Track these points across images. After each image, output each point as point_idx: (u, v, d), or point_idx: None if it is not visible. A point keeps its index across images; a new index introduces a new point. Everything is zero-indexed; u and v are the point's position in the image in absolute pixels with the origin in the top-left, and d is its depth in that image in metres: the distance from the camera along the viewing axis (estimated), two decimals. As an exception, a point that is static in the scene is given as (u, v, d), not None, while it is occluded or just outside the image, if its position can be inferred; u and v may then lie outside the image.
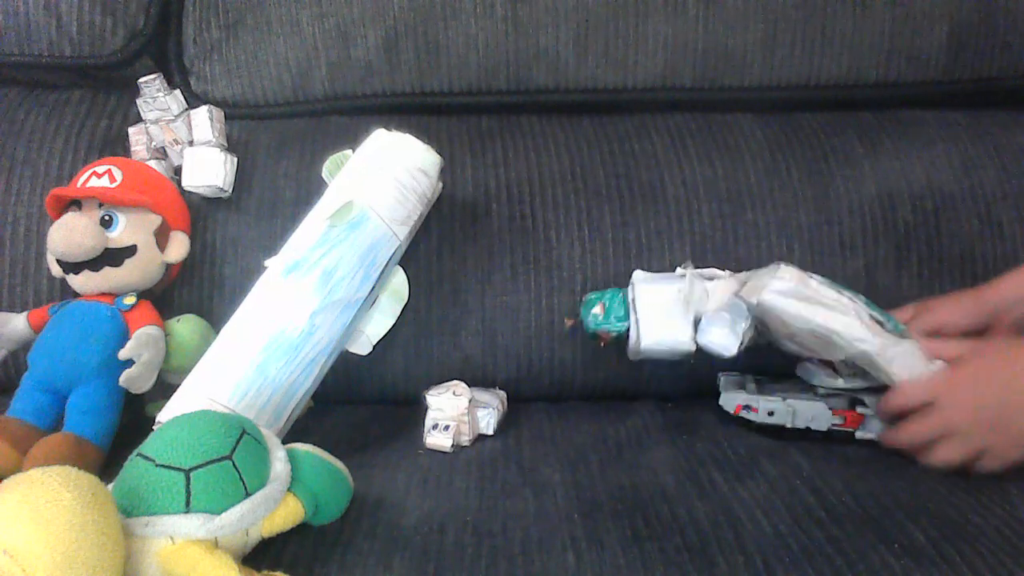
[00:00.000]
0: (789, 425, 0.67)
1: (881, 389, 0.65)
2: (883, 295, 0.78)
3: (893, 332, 0.63)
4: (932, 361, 0.63)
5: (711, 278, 0.71)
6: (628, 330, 0.70)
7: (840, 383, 0.67)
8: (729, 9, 0.85)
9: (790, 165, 0.84)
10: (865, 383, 0.66)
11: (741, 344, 0.66)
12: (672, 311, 0.68)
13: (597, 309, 0.70)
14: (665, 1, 0.85)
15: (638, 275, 0.73)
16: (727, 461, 0.63)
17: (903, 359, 0.62)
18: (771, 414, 0.68)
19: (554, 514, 0.56)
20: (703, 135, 0.86)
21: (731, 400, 0.70)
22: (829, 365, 0.68)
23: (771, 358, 0.70)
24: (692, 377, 0.74)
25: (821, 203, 0.82)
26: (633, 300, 0.70)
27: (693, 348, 0.68)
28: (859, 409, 0.67)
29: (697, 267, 0.72)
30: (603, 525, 0.54)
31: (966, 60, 0.88)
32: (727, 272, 0.72)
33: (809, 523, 0.54)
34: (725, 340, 0.66)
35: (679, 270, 0.72)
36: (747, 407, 0.69)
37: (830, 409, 0.67)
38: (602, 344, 0.72)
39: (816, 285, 0.64)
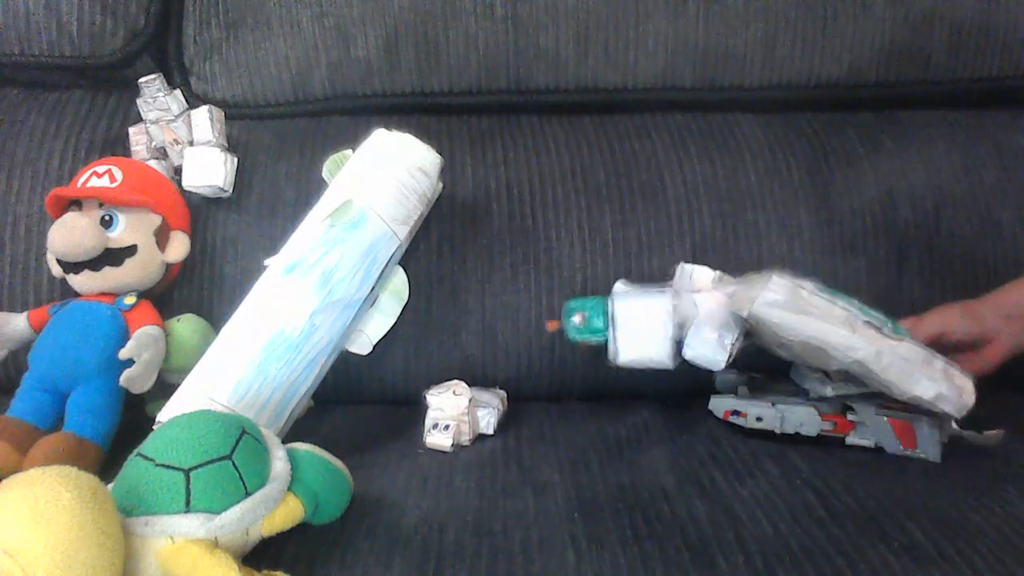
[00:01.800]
0: (778, 431, 0.67)
1: (870, 396, 0.65)
2: (883, 295, 0.79)
3: (891, 336, 0.62)
4: (929, 362, 0.61)
5: (697, 290, 0.70)
6: (607, 341, 0.69)
7: (828, 391, 0.66)
8: (729, 9, 0.85)
9: (790, 165, 0.84)
10: (856, 389, 0.66)
11: (730, 357, 0.66)
12: (651, 327, 0.67)
13: (577, 319, 0.70)
14: (665, 1, 0.85)
15: (618, 287, 0.71)
16: (727, 461, 0.63)
17: (899, 365, 0.61)
18: (759, 419, 0.68)
19: (554, 514, 0.56)
20: (703, 135, 0.86)
21: (720, 405, 0.70)
22: (821, 370, 0.68)
23: (766, 357, 0.70)
24: (692, 377, 0.74)
25: (821, 203, 0.82)
26: (613, 313, 0.69)
27: (671, 366, 0.67)
28: (849, 416, 0.66)
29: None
30: (603, 525, 0.54)
31: (966, 60, 0.88)
32: (716, 273, 0.71)
33: (809, 523, 0.54)
34: (713, 355, 0.66)
35: (676, 271, 0.72)
36: (735, 412, 0.68)
37: (820, 413, 0.66)
38: (584, 347, 0.72)
39: (807, 295, 0.63)
